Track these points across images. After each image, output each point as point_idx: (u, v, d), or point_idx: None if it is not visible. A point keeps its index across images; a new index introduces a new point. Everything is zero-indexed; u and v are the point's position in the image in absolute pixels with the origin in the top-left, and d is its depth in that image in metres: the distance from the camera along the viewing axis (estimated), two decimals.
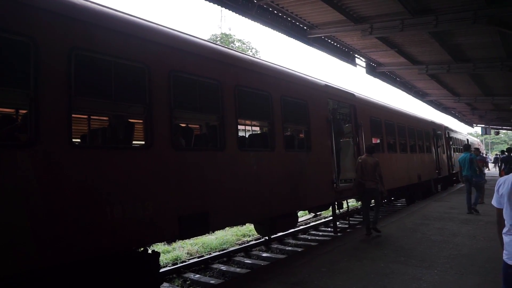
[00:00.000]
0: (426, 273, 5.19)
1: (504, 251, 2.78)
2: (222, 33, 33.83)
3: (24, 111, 4.79)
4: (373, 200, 8.52)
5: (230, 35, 34.27)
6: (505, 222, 2.80)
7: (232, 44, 32.65)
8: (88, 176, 3.74)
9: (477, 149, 14.66)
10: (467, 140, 27.54)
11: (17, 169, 3.25)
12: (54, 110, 3.55)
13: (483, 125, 33.83)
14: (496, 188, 2.94)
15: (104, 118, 6.58)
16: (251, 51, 33.93)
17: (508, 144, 65.94)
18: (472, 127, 38.18)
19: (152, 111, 4.45)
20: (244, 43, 34.75)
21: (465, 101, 21.10)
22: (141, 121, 5.23)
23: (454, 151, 21.20)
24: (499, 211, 2.89)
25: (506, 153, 15.80)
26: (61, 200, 3.51)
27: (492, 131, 36.22)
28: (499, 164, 16.79)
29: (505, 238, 2.78)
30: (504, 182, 2.85)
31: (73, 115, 3.86)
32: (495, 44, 10.82)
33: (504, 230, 2.80)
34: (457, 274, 5.14)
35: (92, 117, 6.53)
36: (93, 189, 3.77)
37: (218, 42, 29.87)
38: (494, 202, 2.94)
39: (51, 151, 3.48)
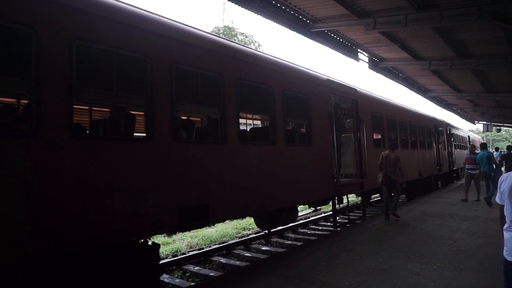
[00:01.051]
0: (424, 269, 5.21)
1: (504, 247, 2.81)
2: (225, 26, 33.63)
3: (25, 101, 4.79)
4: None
5: (233, 28, 34.08)
6: (506, 218, 2.84)
7: (235, 37, 32.47)
8: (89, 167, 3.75)
9: (473, 146, 14.80)
10: (468, 137, 27.51)
11: (18, 159, 3.25)
12: (56, 100, 3.55)
13: (485, 122, 33.71)
14: (498, 185, 2.97)
15: (106, 109, 6.58)
16: (253, 45, 33.76)
17: (509, 142, 65.86)
18: (474, 124, 38.08)
19: (153, 103, 4.44)
20: (247, 37, 34.58)
21: (467, 97, 21.00)
22: (142, 113, 5.23)
23: (455, 148, 21.17)
24: (502, 207, 2.93)
25: (506, 151, 16.04)
26: (62, 190, 3.52)
27: (494, 128, 36.11)
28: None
29: (506, 235, 2.82)
30: (506, 179, 2.89)
31: (74, 106, 3.85)
32: (499, 40, 10.74)
33: (505, 227, 2.84)
34: (456, 270, 5.16)
35: (93, 108, 6.53)
36: (94, 180, 3.78)
37: (221, 35, 29.71)
38: (497, 199, 2.99)
39: (52, 142, 3.48)
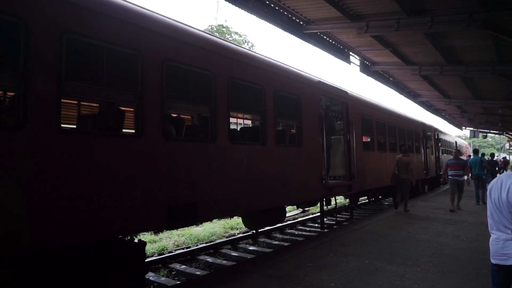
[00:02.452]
0: (409, 271, 5.28)
1: (492, 253, 2.91)
2: (220, 25, 33.51)
3: (12, 94, 4.70)
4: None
5: (228, 27, 34.01)
6: (492, 222, 2.95)
7: (229, 36, 32.39)
8: (75, 162, 3.69)
9: (459, 151, 14.89)
10: (456, 142, 27.95)
11: (2, 152, 3.19)
12: (43, 94, 3.49)
13: (472, 128, 34.33)
14: (488, 191, 3.03)
15: (95, 104, 6.50)
16: (247, 45, 33.74)
17: (495, 148, 67.16)
18: (461, 129, 38.73)
19: (143, 100, 4.40)
20: (241, 36, 34.54)
21: (456, 103, 21.35)
22: (132, 109, 5.18)
23: (442, 153, 21.48)
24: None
25: (490, 158, 17.12)
26: (47, 185, 3.46)
27: (480, 135, 36.79)
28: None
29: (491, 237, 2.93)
30: (494, 186, 2.96)
31: (62, 100, 3.80)
32: (487, 48, 10.95)
33: (490, 229, 2.95)
34: (439, 272, 5.24)
35: (82, 103, 6.43)
36: (81, 176, 3.73)
37: (216, 33, 29.60)
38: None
39: (38, 136, 3.42)
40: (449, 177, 11.62)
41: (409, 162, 10.94)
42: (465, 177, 11.83)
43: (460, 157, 12.97)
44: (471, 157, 17.55)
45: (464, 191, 12.00)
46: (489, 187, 2.99)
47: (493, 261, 2.81)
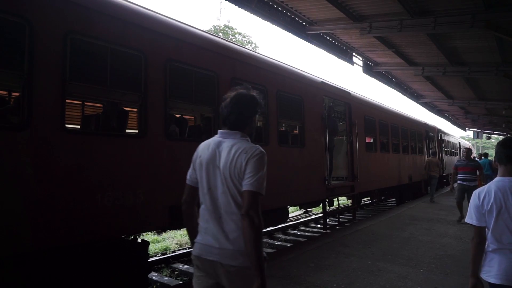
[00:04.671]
0: (412, 272, 5.27)
1: (486, 269, 2.44)
2: (224, 25, 33.58)
3: (17, 94, 4.73)
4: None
5: (232, 27, 34.06)
6: (488, 240, 2.44)
7: (232, 37, 32.43)
8: (79, 162, 3.72)
9: (470, 150, 14.26)
10: (459, 143, 27.83)
11: (7, 152, 3.21)
12: (48, 94, 3.51)
13: (476, 129, 34.19)
14: (476, 202, 2.46)
15: (98, 104, 6.53)
16: (250, 45, 33.76)
17: None
18: (465, 130, 38.58)
19: (147, 100, 4.42)
20: (244, 37, 34.59)
21: (459, 104, 21.29)
22: (135, 109, 5.20)
23: (445, 154, 21.40)
24: (480, 229, 2.45)
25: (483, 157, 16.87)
26: (51, 185, 3.48)
27: (484, 136, 36.63)
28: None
29: (493, 256, 2.42)
30: (488, 194, 2.42)
31: (67, 100, 3.82)
32: (491, 49, 10.91)
33: (490, 248, 2.43)
34: (442, 273, 5.23)
35: (86, 103, 6.48)
36: (84, 175, 3.75)
37: (220, 34, 29.63)
38: (472, 219, 2.47)
39: (42, 135, 3.45)
40: (458, 181, 9.68)
41: (438, 163, 14.44)
42: (477, 182, 9.63)
43: (472, 157, 10.62)
44: (481, 159, 17.64)
45: None
46: (492, 202, 2.38)
47: (495, 281, 2.37)
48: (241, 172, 2.00)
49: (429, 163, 14.10)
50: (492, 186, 2.45)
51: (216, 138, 2.24)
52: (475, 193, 2.51)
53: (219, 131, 2.24)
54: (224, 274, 2.00)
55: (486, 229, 2.43)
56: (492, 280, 2.39)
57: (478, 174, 9.74)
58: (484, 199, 2.42)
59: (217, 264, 2.01)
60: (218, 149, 2.14)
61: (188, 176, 2.35)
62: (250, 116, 2.22)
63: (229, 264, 1.97)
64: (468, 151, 10.34)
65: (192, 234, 2.24)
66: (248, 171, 1.99)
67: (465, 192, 9.41)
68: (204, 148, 2.24)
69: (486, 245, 2.46)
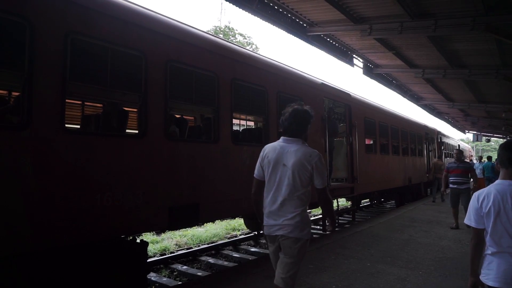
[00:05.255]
0: (411, 274, 5.27)
1: (485, 272, 2.43)
2: (225, 26, 33.61)
3: (17, 94, 4.73)
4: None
5: (232, 28, 34.11)
6: (487, 243, 2.43)
7: (233, 38, 32.45)
8: (79, 162, 3.71)
9: (461, 151, 12.68)
10: (459, 145, 27.84)
11: (6, 151, 3.21)
12: (48, 94, 3.51)
13: (475, 132, 34.18)
14: (475, 204, 2.46)
15: (99, 104, 6.54)
16: (250, 46, 33.79)
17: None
18: (464, 133, 38.56)
19: (147, 100, 4.42)
20: (245, 38, 34.62)
21: (459, 107, 21.28)
22: (135, 109, 5.21)
23: (445, 156, 21.41)
24: (480, 231, 2.45)
25: (487, 161, 17.77)
26: (50, 185, 3.48)
27: (483, 138, 36.62)
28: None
29: (491, 259, 2.41)
30: (487, 197, 2.41)
31: (67, 100, 3.82)
32: (491, 51, 10.91)
33: (489, 251, 2.42)
34: (441, 276, 5.22)
35: (86, 103, 6.48)
36: (84, 175, 3.75)
37: (221, 35, 29.65)
38: (470, 221, 2.47)
39: (42, 135, 3.44)
40: (450, 185, 9.16)
41: (443, 165, 14.64)
42: (471, 185, 9.24)
43: (464, 159, 10.00)
44: (481, 162, 17.98)
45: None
46: (490, 205, 2.37)
47: (494, 284, 2.36)
48: (307, 170, 2.82)
49: (434, 166, 15.05)
50: (492, 189, 2.44)
51: (280, 143, 2.98)
52: (474, 195, 2.51)
53: (282, 137, 3.01)
54: (283, 242, 2.84)
55: (485, 232, 2.43)
56: (490, 283, 2.39)
57: (470, 176, 9.21)
58: (483, 202, 2.41)
59: (279, 237, 2.86)
60: (284, 152, 2.89)
61: (256, 172, 3.05)
62: (305, 126, 3.03)
63: (287, 236, 2.81)
64: (459, 152, 9.59)
65: (261, 216, 3.03)
66: (316, 173, 2.84)
67: (458, 196, 8.87)
68: (271, 150, 2.98)
69: (485, 248, 2.46)
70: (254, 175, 3.05)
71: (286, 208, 2.81)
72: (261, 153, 3.05)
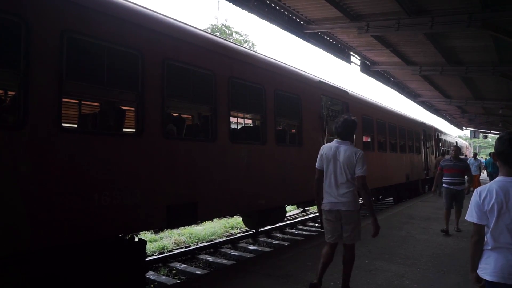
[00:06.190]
0: (409, 271, 5.28)
1: (483, 267, 2.43)
2: (222, 24, 33.53)
3: (13, 93, 4.71)
4: None
5: (229, 27, 34.04)
6: (488, 239, 2.41)
7: (230, 36, 32.39)
8: (76, 161, 3.70)
9: (458, 148, 10.46)
10: (456, 142, 27.94)
11: (2, 151, 3.20)
12: (44, 93, 3.50)
13: (473, 129, 34.32)
14: (477, 201, 2.42)
15: (95, 103, 6.51)
16: (247, 44, 33.74)
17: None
18: (462, 130, 38.72)
19: (144, 99, 4.41)
20: (241, 36, 34.55)
21: (456, 103, 21.35)
22: (132, 108, 5.19)
23: (443, 153, 21.47)
24: (480, 227, 2.42)
25: (489, 157, 18.13)
26: (47, 184, 3.47)
27: (481, 135, 36.76)
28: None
29: (490, 254, 2.41)
30: (489, 194, 2.37)
31: (63, 99, 3.81)
32: (488, 48, 10.95)
33: (489, 246, 2.41)
34: (439, 272, 5.25)
35: (83, 102, 6.45)
36: (81, 174, 3.74)
37: (217, 33, 29.57)
38: (472, 217, 2.44)
39: (39, 134, 3.43)
40: (444, 185, 8.18)
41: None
42: (465, 185, 8.26)
43: (461, 157, 8.93)
44: (476, 159, 17.97)
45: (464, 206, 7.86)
46: (493, 202, 2.33)
47: (491, 278, 2.36)
48: (352, 164, 3.94)
49: (438, 162, 14.91)
50: (493, 185, 2.41)
51: (334, 143, 4.10)
52: (476, 191, 2.47)
53: (335, 140, 4.14)
54: (343, 215, 4.01)
55: (486, 228, 2.42)
56: (487, 277, 2.39)
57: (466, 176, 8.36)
58: (485, 198, 2.38)
59: (337, 211, 4.01)
60: (337, 150, 4.01)
61: (318, 164, 4.14)
62: (352, 132, 4.23)
63: (343, 209, 3.98)
64: (457, 149, 8.50)
65: (319, 196, 4.18)
66: (358, 164, 3.93)
67: (453, 198, 7.98)
68: (328, 149, 4.10)
69: (484, 243, 2.45)
70: (316, 166, 4.14)
71: (341, 190, 3.95)
72: (320, 151, 4.17)
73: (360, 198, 4.76)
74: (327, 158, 4.03)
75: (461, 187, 8.00)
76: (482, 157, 19.51)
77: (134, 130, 4.59)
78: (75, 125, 5.64)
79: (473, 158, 18.42)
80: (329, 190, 4.01)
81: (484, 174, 22.70)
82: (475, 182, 15.55)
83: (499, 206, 2.34)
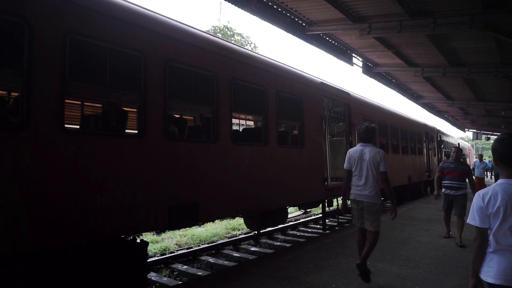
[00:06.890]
0: (411, 273, 5.27)
1: (486, 270, 2.40)
2: (224, 26, 33.58)
3: (16, 94, 4.73)
4: None
5: (231, 28, 34.08)
6: (491, 242, 2.38)
7: (231, 38, 32.43)
8: (78, 162, 3.72)
9: (460, 150, 8.52)
10: (458, 144, 27.86)
11: (5, 151, 3.21)
12: (47, 94, 3.51)
13: (475, 130, 34.20)
14: (480, 203, 2.38)
15: (98, 104, 6.54)
16: (249, 46, 33.77)
17: None
18: (464, 131, 38.60)
19: (146, 100, 4.42)
20: (243, 37, 34.58)
21: (458, 105, 21.29)
22: (134, 109, 5.21)
23: (445, 155, 21.40)
24: (483, 230, 2.38)
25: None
26: (50, 185, 3.48)
27: (483, 137, 36.65)
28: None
29: (492, 257, 2.38)
30: (493, 197, 2.34)
31: (66, 100, 3.82)
32: (490, 50, 10.92)
33: (491, 249, 2.38)
34: (441, 274, 5.23)
35: (85, 103, 6.48)
36: (83, 175, 3.75)
37: (219, 34, 29.63)
38: (474, 220, 2.40)
39: (42, 135, 3.44)
40: (443, 189, 7.60)
41: None
42: (465, 191, 7.39)
43: (461, 159, 7.86)
44: (481, 161, 17.05)
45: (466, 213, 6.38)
46: (499, 205, 2.30)
47: (494, 281, 2.34)
48: (377, 162, 4.64)
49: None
50: (497, 188, 2.37)
51: (359, 147, 4.86)
52: (478, 194, 2.44)
53: (359, 144, 4.92)
54: (365, 206, 4.68)
55: (489, 231, 2.38)
56: (490, 280, 2.37)
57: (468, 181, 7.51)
58: (489, 202, 2.34)
59: (362, 202, 4.72)
60: (363, 152, 4.75)
61: (346, 165, 4.89)
62: (373, 136, 4.97)
63: (367, 201, 4.67)
64: (458, 151, 7.77)
65: (346, 192, 4.97)
66: (382, 162, 4.64)
67: (452, 203, 7.41)
68: (354, 152, 4.84)
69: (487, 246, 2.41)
70: (345, 167, 4.92)
71: (368, 185, 4.66)
72: (348, 154, 4.92)
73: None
74: (355, 159, 4.76)
75: (460, 191, 7.30)
76: (485, 159, 19.09)
77: (136, 131, 4.60)
78: (78, 126, 5.66)
79: (478, 160, 17.52)
80: (356, 184, 4.76)
81: (487, 178, 22.41)
82: (481, 185, 15.07)
83: (505, 209, 2.31)
